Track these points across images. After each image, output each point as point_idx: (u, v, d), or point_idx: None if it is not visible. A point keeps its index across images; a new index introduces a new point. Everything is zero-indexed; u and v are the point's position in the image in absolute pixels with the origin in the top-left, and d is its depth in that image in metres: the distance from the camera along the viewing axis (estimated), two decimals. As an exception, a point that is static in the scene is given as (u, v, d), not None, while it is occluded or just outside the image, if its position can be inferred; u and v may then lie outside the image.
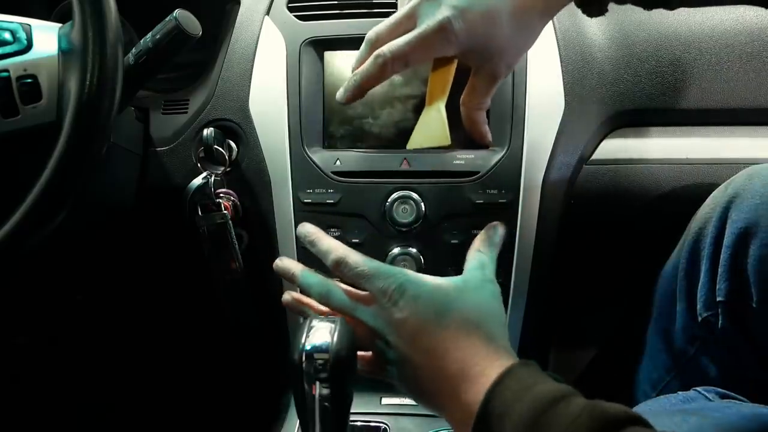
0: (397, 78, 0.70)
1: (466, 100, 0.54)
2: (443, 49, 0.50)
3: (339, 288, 0.50)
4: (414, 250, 0.68)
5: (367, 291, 0.48)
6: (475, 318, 0.46)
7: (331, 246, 0.51)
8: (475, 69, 0.52)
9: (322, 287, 0.50)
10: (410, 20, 0.50)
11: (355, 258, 0.49)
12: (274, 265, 0.55)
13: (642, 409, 0.60)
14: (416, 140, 0.54)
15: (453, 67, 0.53)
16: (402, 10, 0.51)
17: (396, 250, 0.68)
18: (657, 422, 0.35)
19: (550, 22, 0.71)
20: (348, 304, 0.49)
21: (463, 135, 0.71)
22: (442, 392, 0.44)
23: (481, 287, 0.48)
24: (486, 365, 0.42)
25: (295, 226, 0.70)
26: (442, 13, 0.47)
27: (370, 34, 0.53)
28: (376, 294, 0.48)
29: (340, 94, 0.53)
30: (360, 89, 0.52)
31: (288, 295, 0.55)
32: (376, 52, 0.50)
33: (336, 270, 0.50)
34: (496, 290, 0.49)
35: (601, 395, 0.38)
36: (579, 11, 0.73)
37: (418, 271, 0.67)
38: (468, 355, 0.43)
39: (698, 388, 0.58)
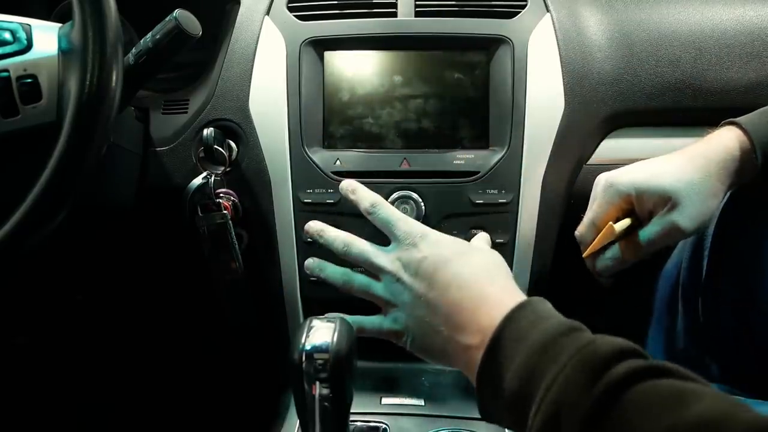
0: (397, 78, 0.70)
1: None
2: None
3: (360, 240, 0.56)
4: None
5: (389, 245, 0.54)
6: (492, 261, 0.50)
7: (337, 234, 0.58)
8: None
9: (342, 241, 0.57)
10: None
11: (361, 243, 0.56)
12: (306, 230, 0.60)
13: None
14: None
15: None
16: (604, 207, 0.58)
17: (396, 250, 0.68)
18: None
19: (550, 21, 0.71)
20: (369, 249, 0.54)
21: (462, 135, 0.71)
22: (457, 323, 0.45)
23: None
24: (504, 296, 0.44)
25: (295, 226, 0.70)
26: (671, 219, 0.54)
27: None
28: (399, 236, 0.53)
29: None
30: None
31: (311, 260, 0.61)
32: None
33: (344, 253, 0.56)
34: None
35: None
36: (579, 11, 0.74)
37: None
38: (488, 287, 0.46)
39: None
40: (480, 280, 0.47)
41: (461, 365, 0.45)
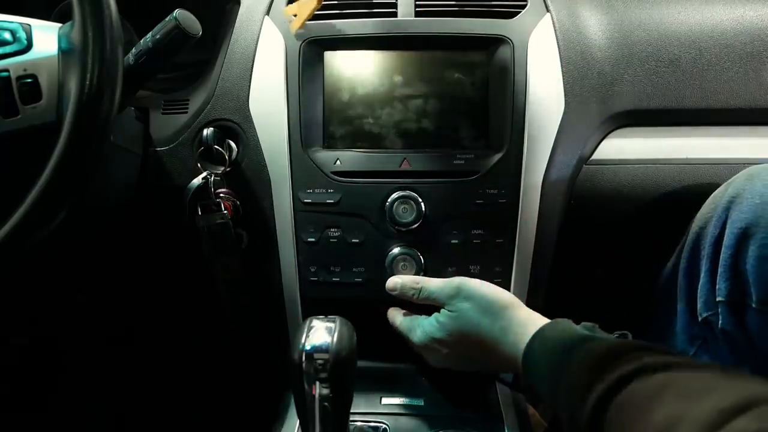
0: (397, 78, 0.70)
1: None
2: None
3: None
4: (414, 250, 0.68)
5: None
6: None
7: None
8: None
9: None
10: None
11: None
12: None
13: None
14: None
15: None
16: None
17: (396, 250, 0.68)
18: None
19: (550, 21, 0.71)
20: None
21: (462, 135, 0.71)
22: (496, 348, 0.58)
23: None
24: (534, 321, 0.57)
25: (295, 226, 0.70)
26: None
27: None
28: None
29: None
30: None
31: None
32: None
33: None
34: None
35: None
36: (579, 11, 0.74)
37: (418, 272, 0.68)
38: (521, 320, 0.57)
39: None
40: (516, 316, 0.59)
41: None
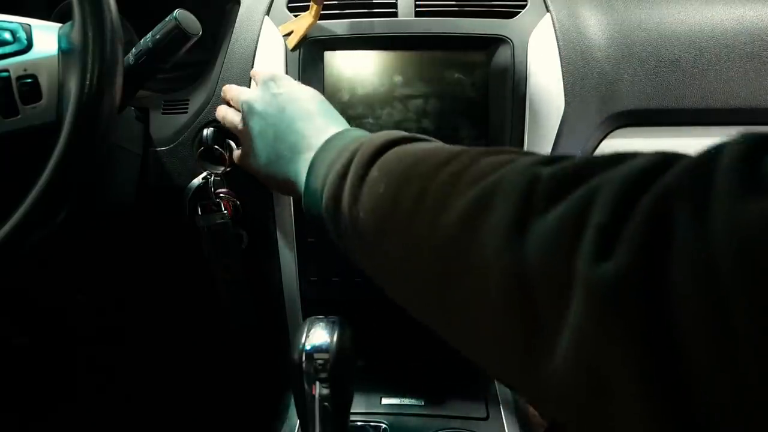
0: (397, 78, 0.70)
1: None
2: None
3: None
4: (414, 250, 0.68)
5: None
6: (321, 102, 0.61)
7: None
8: None
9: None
10: None
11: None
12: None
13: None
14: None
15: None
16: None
17: (396, 250, 0.68)
18: None
19: (550, 21, 0.71)
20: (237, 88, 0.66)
21: (462, 135, 0.71)
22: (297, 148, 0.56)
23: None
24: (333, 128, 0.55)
25: (295, 226, 0.70)
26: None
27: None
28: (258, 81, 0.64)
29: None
30: None
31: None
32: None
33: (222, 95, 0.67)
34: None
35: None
36: (579, 11, 0.74)
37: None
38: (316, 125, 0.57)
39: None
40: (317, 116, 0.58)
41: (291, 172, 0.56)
